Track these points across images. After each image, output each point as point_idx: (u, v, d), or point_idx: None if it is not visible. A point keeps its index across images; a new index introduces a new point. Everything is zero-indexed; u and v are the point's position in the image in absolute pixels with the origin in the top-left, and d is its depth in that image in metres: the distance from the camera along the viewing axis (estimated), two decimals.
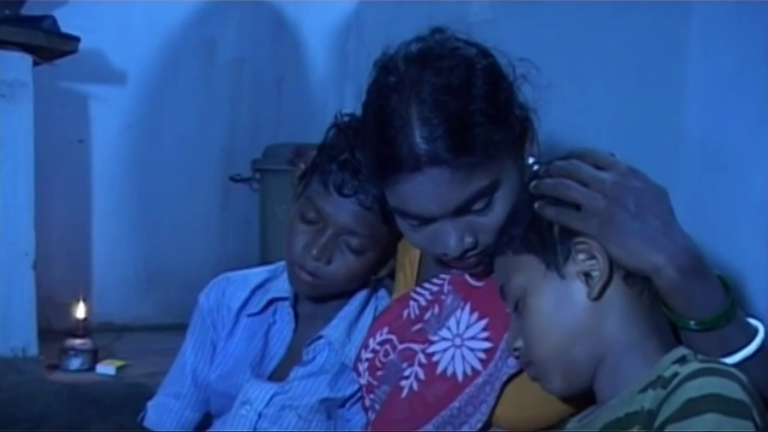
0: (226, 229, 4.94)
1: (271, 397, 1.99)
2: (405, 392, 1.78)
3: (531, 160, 1.73)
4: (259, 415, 1.98)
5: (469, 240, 1.65)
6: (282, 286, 2.08)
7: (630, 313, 1.50)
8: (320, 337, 2.03)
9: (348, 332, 2.02)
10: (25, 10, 3.77)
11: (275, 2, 5.05)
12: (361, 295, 2.06)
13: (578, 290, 1.50)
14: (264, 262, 3.18)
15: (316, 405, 1.98)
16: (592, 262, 1.49)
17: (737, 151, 2.61)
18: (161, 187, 4.78)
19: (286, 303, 2.08)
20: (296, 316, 2.08)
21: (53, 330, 3.92)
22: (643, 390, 1.40)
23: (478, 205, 1.63)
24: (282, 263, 2.11)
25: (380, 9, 4.62)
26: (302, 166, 2.03)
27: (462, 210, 1.62)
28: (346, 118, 1.96)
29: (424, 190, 1.60)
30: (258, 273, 2.16)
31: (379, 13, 4.63)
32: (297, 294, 2.08)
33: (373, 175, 1.71)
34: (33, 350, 3.59)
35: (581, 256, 1.49)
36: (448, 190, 1.59)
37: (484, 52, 1.68)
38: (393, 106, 1.60)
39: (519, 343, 1.56)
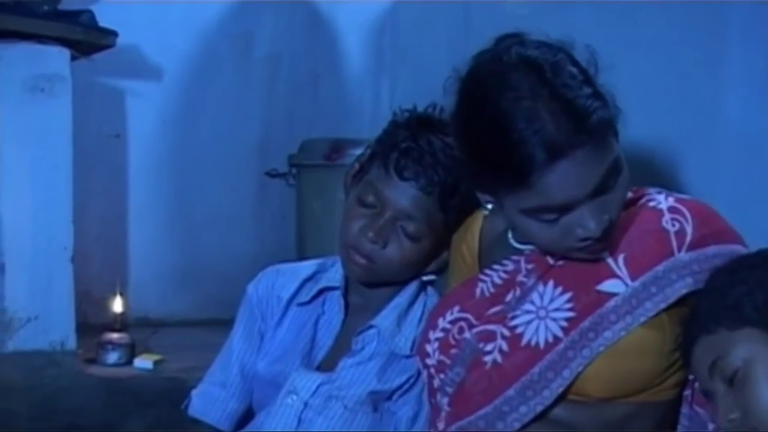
0: (262, 225, 4.92)
1: (318, 387, 1.99)
2: (488, 366, 1.79)
3: None
4: (305, 405, 1.99)
5: (605, 217, 1.70)
6: (333, 277, 2.10)
7: None
8: (370, 327, 2.03)
9: (398, 323, 2.03)
10: (63, 6, 3.78)
11: None
12: (411, 288, 2.07)
13: None
14: (300, 258, 3.18)
15: (363, 397, 1.98)
16: None
17: None
18: (197, 183, 4.78)
19: (336, 293, 2.09)
20: (346, 306, 2.08)
21: (90, 325, 3.91)
22: None
23: (611, 181, 1.69)
24: (332, 257, 2.13)
25: (415, 5, 4.60)
26: (356, 165, 2.07)
27: (601, 188, 1.68)
28: (405, 114, 2.04)
29: (569, 175, 1.64)
30: (308, 265, 2.18)
31: (414, 8, 4.62)
32: (347, 284, 2.09)
33: (508, 186, 1.71)
34: (71, 344, 3.60)
35: None
36: (589, 169, 1.65)
37: (559, 47, 1.75)
38: (521, 110, 1.64)
39: (734, 415, 1.60)
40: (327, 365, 2.04)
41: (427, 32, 4.48)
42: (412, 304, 2.07)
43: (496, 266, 1.90)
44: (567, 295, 1.79)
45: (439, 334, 1.89)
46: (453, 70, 1.79)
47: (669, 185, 2.02)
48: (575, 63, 1.71)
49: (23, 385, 3.32)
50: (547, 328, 1.77)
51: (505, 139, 1.65)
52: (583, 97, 1.65)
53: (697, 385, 1.77)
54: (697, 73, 2.84)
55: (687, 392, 1.84)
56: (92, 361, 3.68)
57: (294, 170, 4.36)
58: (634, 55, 3.10)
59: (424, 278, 2.09)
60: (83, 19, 3.65)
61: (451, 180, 1.95)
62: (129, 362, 3.70)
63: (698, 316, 1.68)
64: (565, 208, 1.69)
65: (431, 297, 2.09)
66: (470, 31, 4.11)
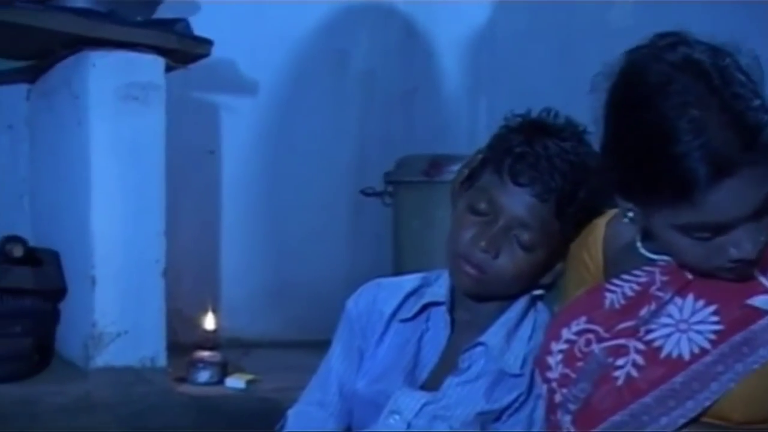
0: (357, 244, 4.88)
1: (422, 407, 1.91)
2: (620, 381, 1.70)
3: None
4: (408, 425, 1.90)
5: (762, 239, 1.62)
6: (438, 292, 2.01)
7: None
8: (478, 344, 1.93)
9: (507, 340, 1.93)
10: (158, 15, 3.79)
11: (407, 13, 5.02)
12: (521, 303, 1.97)
13: None
14: None
15: (471, 417, 1.88)
16: None
17: None
18: (291, 200, 4.75)
19: (441, 309, 1.99)
20: (452, 322, 1.98)
21: (180, 343, 3.88)
22: None
23: None
24: (436, 271, 2.05)
25: (514, 19, 4.53)
26: (465, 171, 1.99)
27: (763, 209, 1.60)
28: (518, 119, 1.97)
29: (733, 194, 1.56)
30: (411, 279, 2.09)
31: (513, 23, 4.55)
32: (453, 299, 1.99)
33: (664, 200, 1.62)
34: (161, 361, 3.57)
35: None
36: (754, 189, 1.57)
37: (727, 51, 1.63)
38: (687, 120, 1.55)
39: None
40: (431, 384, 1.95)
41: (525, 48, 4.41)
42: (521, 320, 1.97)
43: (626, 276, 1.81)
44: (711, 308, 1.70)
45: (563, 346, 1.79)
46: (602, 65, 1.68)
47: None
48: (743, 70, 1.60)
49: (112, 402, 3.31)
50: (690, 340, 1.68)
51: (667, 150, 1.56)
52: (754, 110, 1.56)
53: None
54: None
55: None
56: (182, 379, 3.65)
57: (390, 188, 4.29)
58: None
59: (534, 292, 1.99)
60: (178, 28, 3.62)
61: (568, 187, 1.87)
62: (220, 381, 3.65)
63: None
64: (722, 228, 1.61)
65: (541, 313, 1.99)
66: (571, 48, 4.02)
